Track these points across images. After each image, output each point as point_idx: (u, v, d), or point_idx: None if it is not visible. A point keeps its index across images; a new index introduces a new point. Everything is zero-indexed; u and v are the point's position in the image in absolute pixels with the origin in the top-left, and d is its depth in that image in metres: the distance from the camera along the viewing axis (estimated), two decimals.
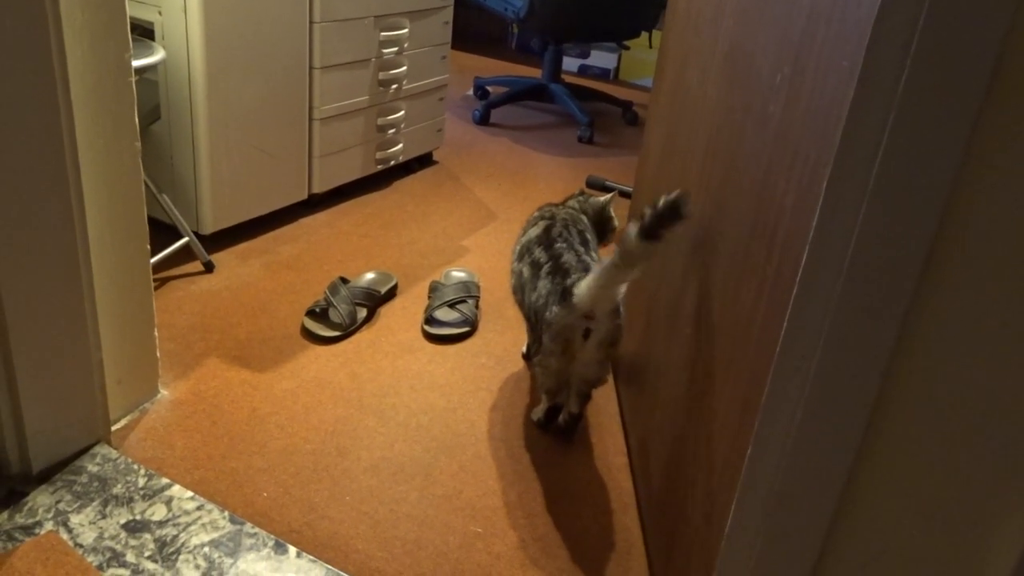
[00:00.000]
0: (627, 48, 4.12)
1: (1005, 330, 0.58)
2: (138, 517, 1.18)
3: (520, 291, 1.45)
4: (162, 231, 1.80)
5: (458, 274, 1.95)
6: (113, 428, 1.36)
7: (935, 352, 0.60)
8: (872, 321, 0.60)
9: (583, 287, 1.28)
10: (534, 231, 1.49)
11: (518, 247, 1.53)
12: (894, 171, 0.56)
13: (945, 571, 0.66)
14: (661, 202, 1.11)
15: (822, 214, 0.61)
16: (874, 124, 0.57)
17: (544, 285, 1.35)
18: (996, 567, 0.63)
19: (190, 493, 1.24)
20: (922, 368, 0.61)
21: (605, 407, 1.60)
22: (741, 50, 1.04)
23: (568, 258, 1.37)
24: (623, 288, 1.31)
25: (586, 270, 1.34)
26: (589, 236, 1.49)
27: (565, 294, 1.30)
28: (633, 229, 1.16)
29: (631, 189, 2.54)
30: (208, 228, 1.94)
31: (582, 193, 1.68)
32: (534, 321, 1.42)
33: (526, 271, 1.43)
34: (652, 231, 1.14)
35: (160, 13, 1.78)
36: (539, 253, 1.41)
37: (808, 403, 0.64)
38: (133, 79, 1.22)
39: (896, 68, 0.54)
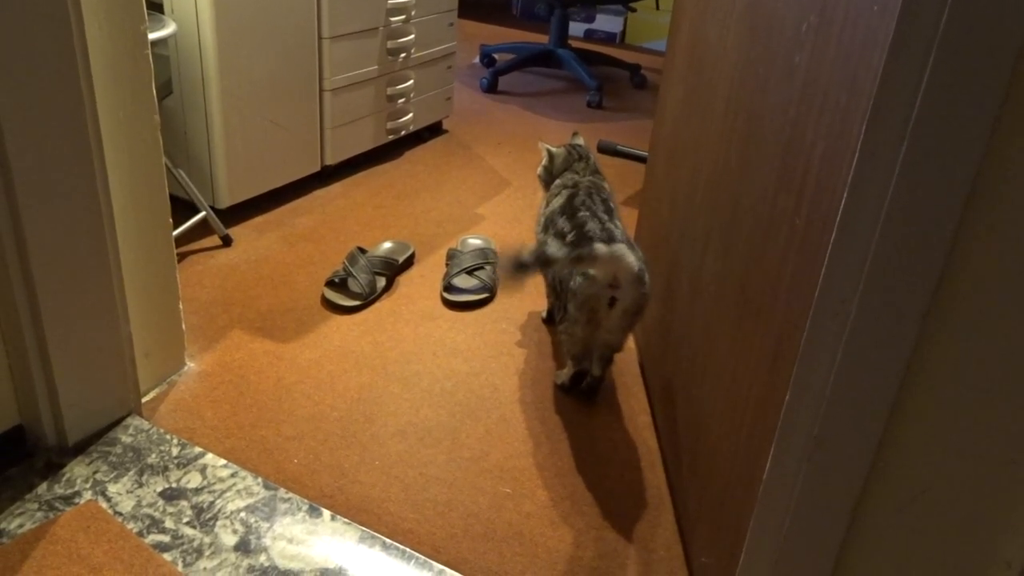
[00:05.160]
0: (634, 10, 4.08)
1: None
2: (174, 485, 1.20)
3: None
4: (179, 206, 1.80)
5: (474, 241, 1.96)
6: (143, 400, 1.38)
7: (976, 291, 0.61)
8: (912, 262, 0.60)
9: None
10: (557, 201, 1.49)
11: (542, 218, 1.53)
12: (935, 109, 0.56)
13: (985, 509, 0.67)
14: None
15: (861, 156, 0.61)
16: (914, 62, 0.56)
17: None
18: None
19: (223, 461, 1.26)
20: (963, 307, 0.61)
21: (628, 367, 1.61)
22: (763, 2, 1.03)
23: (592, 226, 1.37)
24: (639, 256, 1.32)
25: (610, 238, 1.34)
26: (612, 204, 1.49)
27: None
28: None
29: (645, 154, 2.53)
30: (224, 202, 1.95)
31: (576, 139, 1.70)
32: (559, 290, 1.43)
33: (551, 242, 1.43)
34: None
35: None
36: (563, 223, 1.42)
37: (847, 346, 0.64)
38: (149, 51, 1.22)
39: (938, 3, 0.54)
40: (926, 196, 0.59)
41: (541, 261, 1.27)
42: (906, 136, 0.57)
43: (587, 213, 1.41)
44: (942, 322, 0.62)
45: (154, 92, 1.24)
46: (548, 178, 1.65)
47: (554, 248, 1.26)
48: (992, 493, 0.66)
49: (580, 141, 1.70)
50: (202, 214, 1.85)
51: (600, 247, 1.28)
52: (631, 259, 1.30)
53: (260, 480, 1.23)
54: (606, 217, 1.41)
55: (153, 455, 1.25)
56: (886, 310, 0.62)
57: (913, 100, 0.57)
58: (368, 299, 1.74)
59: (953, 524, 0.68)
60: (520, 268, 1.27)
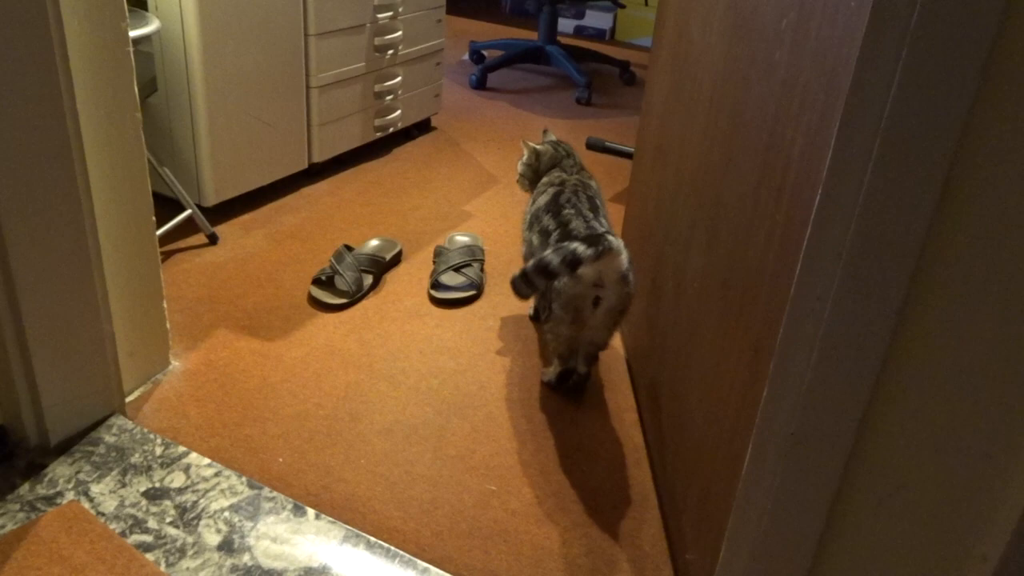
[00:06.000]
0: (623, 7, 4.08)
1: (1021, 265, 0.59)
2: (157, 485, 1.20)
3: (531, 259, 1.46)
4: (164, 204, 1.79)
5: (462, 238, 1.95)
6: (127, 400, 1.37)
7: (950, 287, 0.61)
8: (886, 260, 0.60)
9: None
10: (543, 199, 1.49)
11: (528, 216, 1.53)
12: (908, 105, 0.56)
13: (961, 503, 0.67)
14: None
15: (835, 152, 0.61)
16: (887, 58, 0.56)
17: None
18: (1013, 498, 0.64)
19: (207, 460, 1.25)
20: (937, 303, 0.61)
21: (615, 364, 1.61)
22: None
23: (576, 224, 1.37)
24: (627, 256, 1.32)
25: None
26: (599, 201, 1.49)
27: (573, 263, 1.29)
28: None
29: (632, 150, 2.53)
30: (210, 200, 1.94)
31: (549, 135, 1.70)
32: (544, 288, 1.42)
33: (536, 239, 1.43)
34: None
35: None
36: (548, 221, 1.41)
37: (823, 344, 0.64)
38: (131, 49, 1.21)
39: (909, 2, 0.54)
40: (900, 193, 0.59)
41: (570, 264, 1.24)
42: (879, 132, 0.57)
43: (572, 211, 1.41)
44: (917, 318, 0.62)
45: (136, 89, 1.23)
46: (533, 176, 1.64)
47: (582, 248, 1.24)
48: (968, 487, 0.66)
49: (554, 137, 1.70)
50: (188, 212, 1.84)
51: (613, 239, 1.27)
52: (623, 257, 1.30)
53: (244, 479, 1.22)
54: (591, 215, 1.41)
55: (136, 455, 1.25)
56: (861, 307, 0.62)
57: (886, 97, 0.57)
58: (355, 297, 1.74)
59: (930, 519, 0.68)
60: (548, 274, 1.25)
